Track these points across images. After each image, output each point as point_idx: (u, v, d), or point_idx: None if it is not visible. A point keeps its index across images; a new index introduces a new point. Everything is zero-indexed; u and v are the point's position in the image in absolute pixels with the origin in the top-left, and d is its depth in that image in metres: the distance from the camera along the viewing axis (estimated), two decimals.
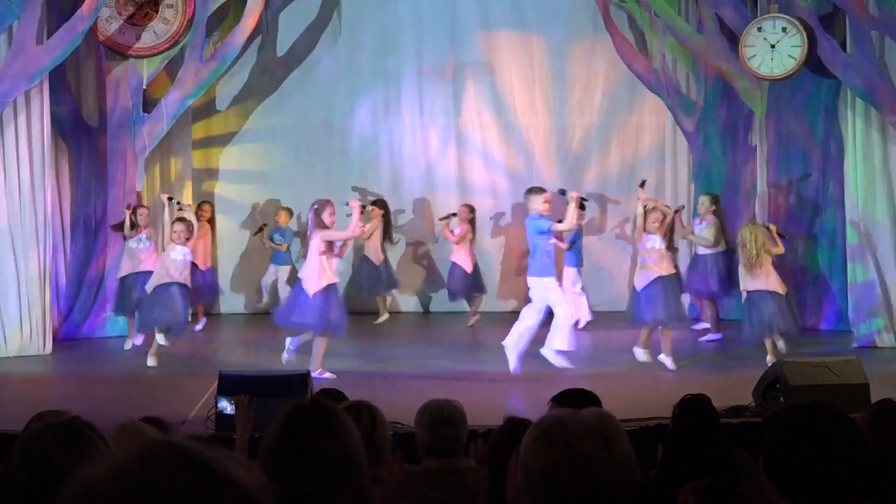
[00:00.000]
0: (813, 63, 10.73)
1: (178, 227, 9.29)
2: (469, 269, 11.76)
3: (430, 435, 3.74)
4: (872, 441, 2.97)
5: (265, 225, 12.54)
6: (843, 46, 10.47)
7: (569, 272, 11.20)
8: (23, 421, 3.42)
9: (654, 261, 9.33)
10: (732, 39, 11.22)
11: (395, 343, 10.63)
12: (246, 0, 11.36)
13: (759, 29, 10.95)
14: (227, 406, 6.19)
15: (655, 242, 9.37)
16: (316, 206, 8.79)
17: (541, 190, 9.09)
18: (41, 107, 10.13)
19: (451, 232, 11.88)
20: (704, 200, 10.87)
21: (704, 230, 10.67)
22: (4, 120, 9.88)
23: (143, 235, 10.17)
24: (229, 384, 6.50)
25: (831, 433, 1.96)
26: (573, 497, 1.77)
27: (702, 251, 10.85)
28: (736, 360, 9.39)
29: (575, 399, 4.29)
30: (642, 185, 9.83)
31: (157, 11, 10.88)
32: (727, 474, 3.24)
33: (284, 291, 11.27)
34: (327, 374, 8.54)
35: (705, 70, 11.96)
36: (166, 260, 9.25)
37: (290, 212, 12.46)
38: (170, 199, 9.93)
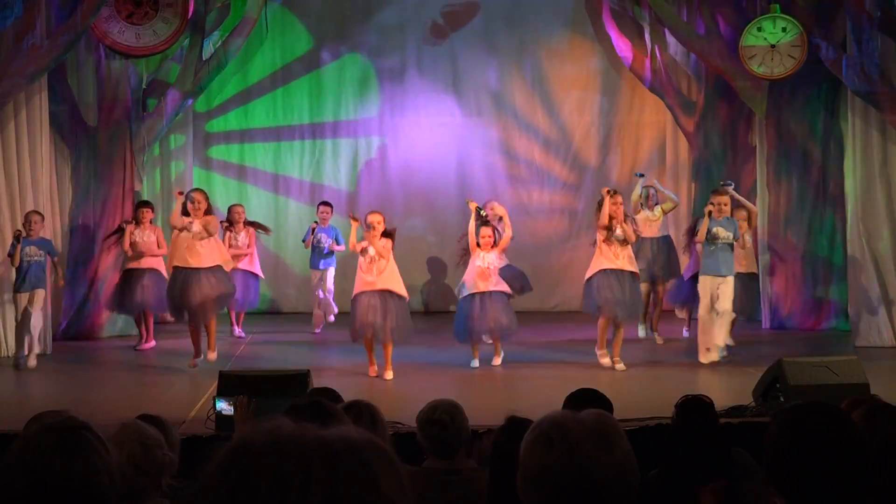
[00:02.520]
0: (813, 63, 10.74)
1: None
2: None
3: (422, 435, 3.77)
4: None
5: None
6: (843, 46, 10.47)
7: (332, 272, 11.18)
8: (23, 421, 3.41)
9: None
10: (732, 39, 11.23)
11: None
12: (246, 0, 11.36)
13: (759, 29, 10.96)
14: (225, 406, 6.18)
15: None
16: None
17: None
18: (40, 106, 10.12)
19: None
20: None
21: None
22: (4, 119, 9.88)
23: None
24: (229, 384, 6.49)
25: (831, 434, 1.95)
26: (573, 498, 1.77)
27: None
28: (736, 360, 9.38)
29: (587, 400, 4.29)
30: (728, 185, 9.83)
31: (156, 11, 10.88)
32: (728, 473, 3.24)
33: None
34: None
35: (705, 70, 11.96)
36: None
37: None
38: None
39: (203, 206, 8.95)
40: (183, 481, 3.50)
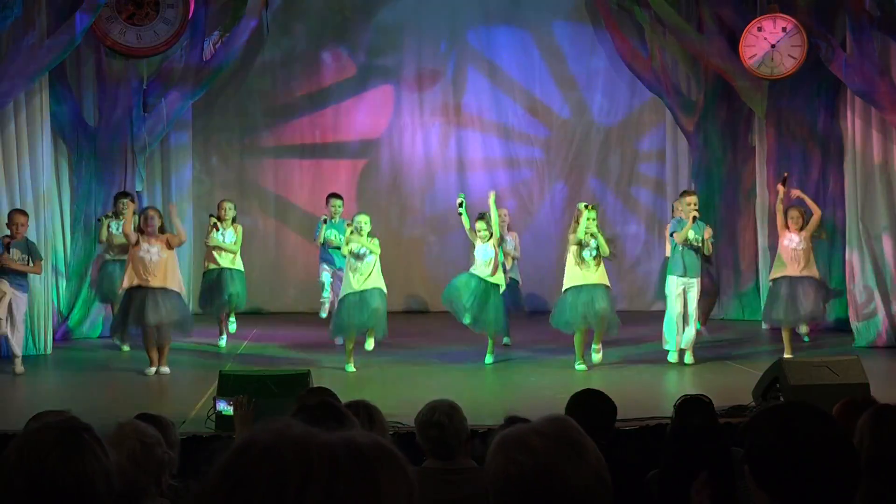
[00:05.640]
0: (813, 62, 10.74)
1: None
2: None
3: (421, 437, 3.77)
4: (874, 444, 2.95)
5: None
6: (843, 46, 10.47)
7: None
8: (23, 421, 3.42)
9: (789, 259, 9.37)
10: (732, 39, 11.23)
11: (396, 342, 10.60)
12: (246, 0, 11.36)
13: (759, 28, 10.96)
14: (226, 406, 6.18)
15: (793, 241, 9.36)
16: None
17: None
18: (41, 106, 10.12)
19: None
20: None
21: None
22: (4, 119, 9.87)
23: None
24: (229, 384, 6.50)
25: (816, 435, 1.94)
26: None
27: None
28: (736, 360, 9.38)
29: (590, 400, 4.29)
30: (784, 182, 9.63)
31: (157, 12, 10.88)
32: (727, 473, 3.24)
33: None
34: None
35: (705, 70, 11.96)
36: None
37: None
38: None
39: (157, 223, 8.91)
40: (183, 481, 3.50)
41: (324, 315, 10.36)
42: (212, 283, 10.18)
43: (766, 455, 1.95)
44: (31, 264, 8.98)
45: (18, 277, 8.96)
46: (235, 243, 10.20)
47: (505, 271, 9.46)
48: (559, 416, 1.88)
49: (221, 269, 10.16)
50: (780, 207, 9.54)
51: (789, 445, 1.93)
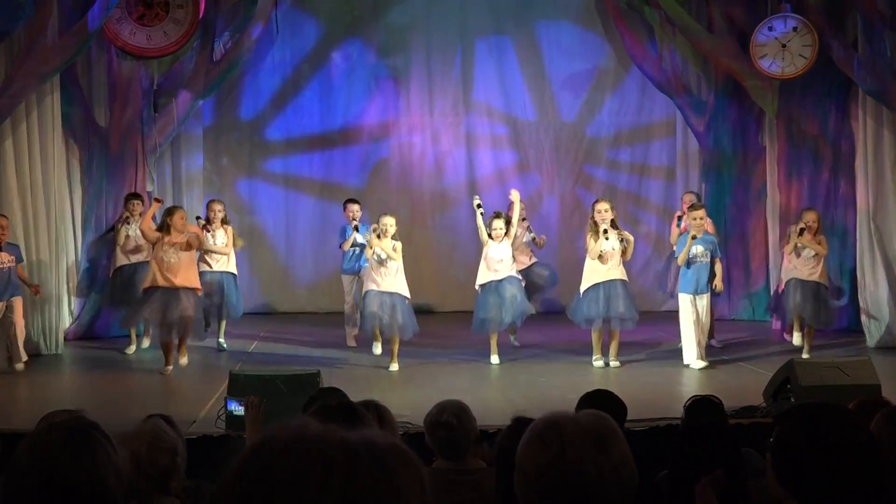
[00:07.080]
0: (824, 62, 10.71)
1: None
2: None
3: (430, 438, 3.77)
4: (892, 447, 2.95)
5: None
6: (855, 45, 10.43)
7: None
8: (33, 420, 3.43)
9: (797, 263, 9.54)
10: (743, 39, 11.20)
11: (405, 342, 10.62)
12: (256, 1, 11.38)
13: (770, 28, 10.93)
14: (237, 407, 6.19)
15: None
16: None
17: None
18: (52, 107, 10.16)
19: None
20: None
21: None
22: (16, 120, 9.91)
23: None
24: (239, 384, 6.51)
25: (843, 436, 1.94)
26: (569, 498, 1.76)
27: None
28: (747, 360, 9.36)
29: (601, 401, 4.28)
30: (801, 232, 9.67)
31: (167, 12, 10.91)
32: (738, 473, 3.23)
33: None
34: None
35: (715, 69, 11.93)
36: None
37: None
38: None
39: (184, 224, 9.03)
40: (194, 480, 3.50)
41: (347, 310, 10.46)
42: (205, 287, 9.78)
43: (792, 453, 1.95)
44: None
45: (13, 279, 9.00)
46: (227, 245, 10.03)
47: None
48: (600, 412, 1.91)
49: (214, 273, 9.96)
50: (791, 244, 9.63)
51: (816, 446, 1.93)
